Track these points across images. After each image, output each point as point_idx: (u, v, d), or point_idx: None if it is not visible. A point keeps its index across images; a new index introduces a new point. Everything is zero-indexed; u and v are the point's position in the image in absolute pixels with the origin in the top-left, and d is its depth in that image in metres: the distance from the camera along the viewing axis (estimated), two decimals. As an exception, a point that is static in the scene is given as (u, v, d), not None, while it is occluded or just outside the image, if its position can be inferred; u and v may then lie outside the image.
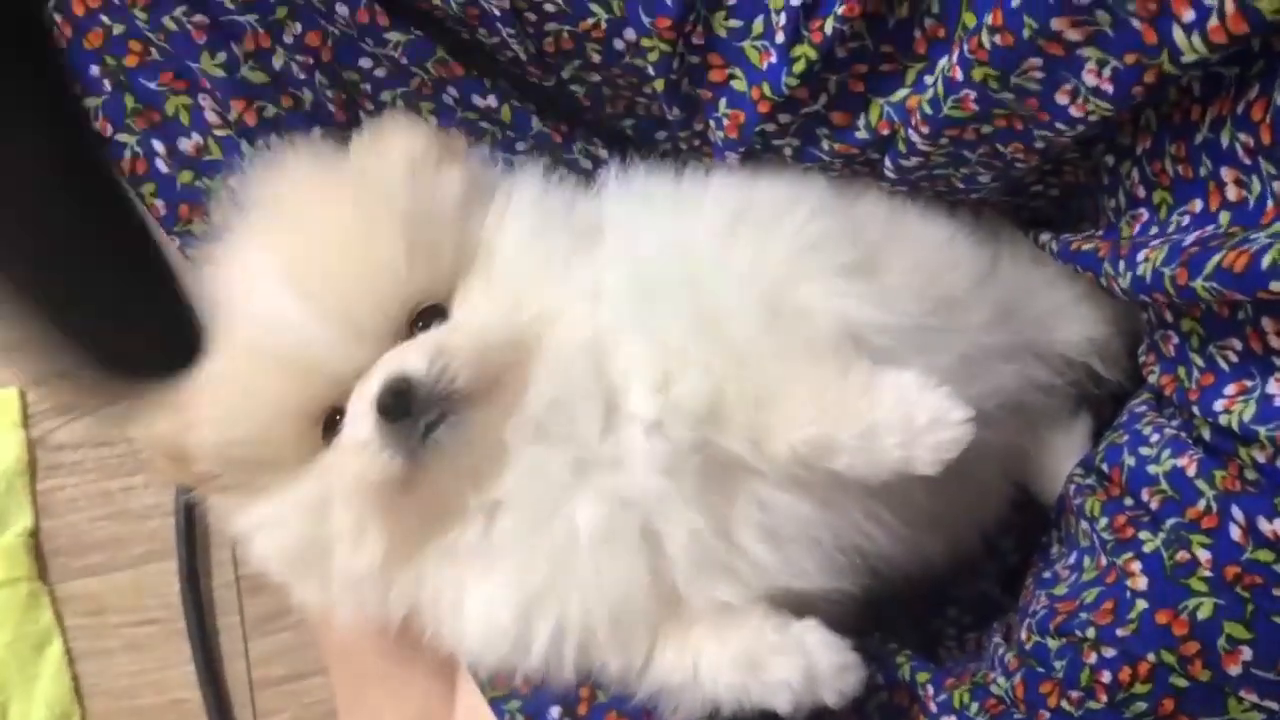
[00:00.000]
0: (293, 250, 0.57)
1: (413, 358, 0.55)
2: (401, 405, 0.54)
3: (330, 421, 0.58)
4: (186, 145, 0.68)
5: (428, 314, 0.58)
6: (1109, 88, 0.53)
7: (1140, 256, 0.57)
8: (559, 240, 0.61)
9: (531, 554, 0.57)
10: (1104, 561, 0.60)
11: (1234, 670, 0.53)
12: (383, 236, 0.56)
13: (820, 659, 0.58)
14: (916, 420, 0.55)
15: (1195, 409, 0.58)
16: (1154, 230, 0.59)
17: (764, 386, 0.57)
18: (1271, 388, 0.54)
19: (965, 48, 0.55)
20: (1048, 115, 0.56)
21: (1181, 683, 0.54)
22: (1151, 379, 0.63)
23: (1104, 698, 0.56)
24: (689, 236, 0.62)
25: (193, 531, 1.09)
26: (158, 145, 0.67)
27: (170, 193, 0.67)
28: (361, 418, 0.55)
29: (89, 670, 1.12)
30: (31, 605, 1.11)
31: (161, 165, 0.67)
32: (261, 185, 0.61)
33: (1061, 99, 0.55)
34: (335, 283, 0.56)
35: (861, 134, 0.65)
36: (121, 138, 0.67)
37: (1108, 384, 0.76)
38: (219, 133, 0.68)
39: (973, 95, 0.57)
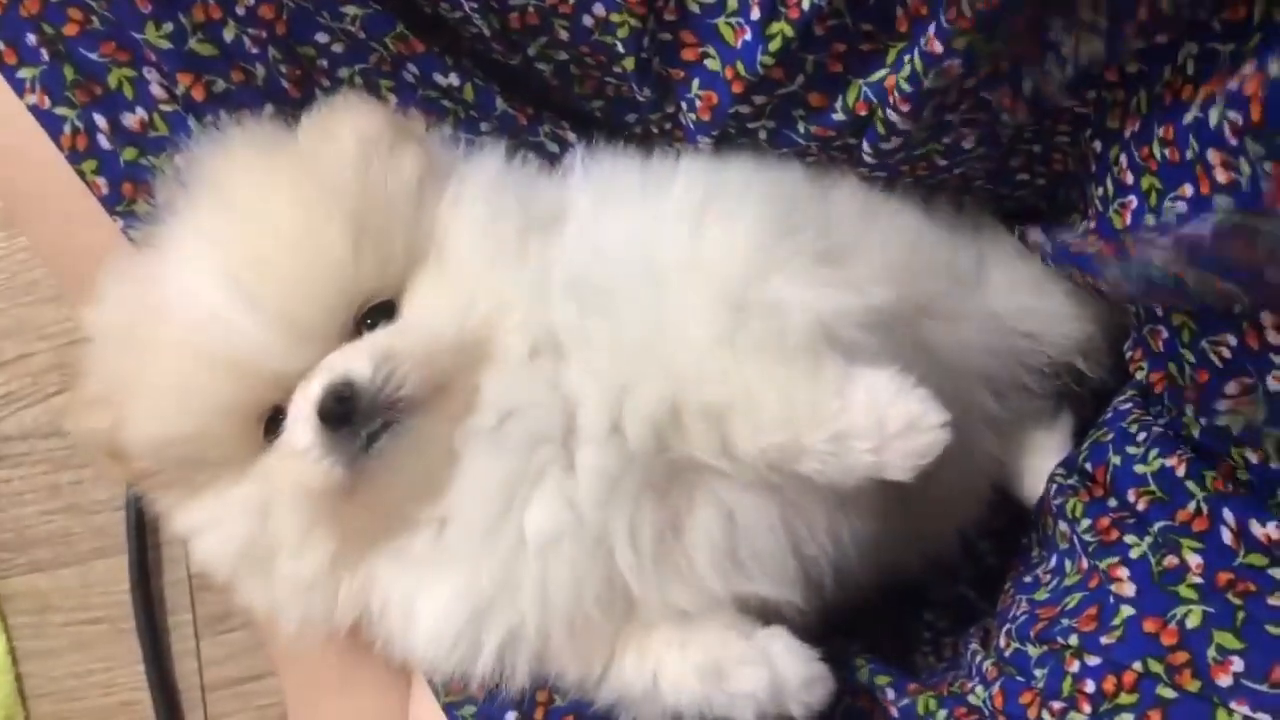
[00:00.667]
0: (233, 243, 0.54)
1: (357, 362, 0.52)
2: (343, 412, 0.51)
3: (273, 420, 0.55)
4: (130, 120, 0.64)
5: (377, 311, 0.55)
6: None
7: (1154, 258, 0.54)
8: (514, 229, 0.57)
9: (481, 561, 0.55)
10: (1085, 565, 0.58)
11: (1224, 681, 0.50)
12: (328, 231, 0.53)
13: (787, 670, 0.56)
14: (890, 425, 0.53)
15: (1190, 408, 0.56)
16: (1151, 220, 0.56)
17: (730, 389, 0.54)
18: (1272, 385, 0.51)
19: (943, 18, 0.53)
20: (1039, 51, 0.55)
21: (1169, 694, 0.51)
22: (1139, 375, 0.61)
23: (1087, 708, 0.53)
24: (653, 227, 0.59)
25: (143, 527, 1.07)
26: (99, 120, 0.64)
27: (113, 170, 0.64)
28: (302, 423, 0.52)
29: (33, 670, 1.10)
30: (-26, 603, 1.09)
31: (104, 141, 0.64)
32: (203, 170, 0.57)
33: (1054, 35, 0.53)
34: (277, 280, 0.53)
35: (838, 115, 0.63)
36: (60, 111, 0.63)
37: (1089, 381, 0.74)
38: (165, 108, 0.64)
39: (957, 62, 0.55)
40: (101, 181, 0.64)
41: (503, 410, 0.54)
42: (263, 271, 0.53)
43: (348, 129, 0.57)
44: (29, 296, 1.11)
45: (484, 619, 0.55)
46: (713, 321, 0.54)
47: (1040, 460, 0.73)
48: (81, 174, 0.64)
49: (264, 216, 0.54)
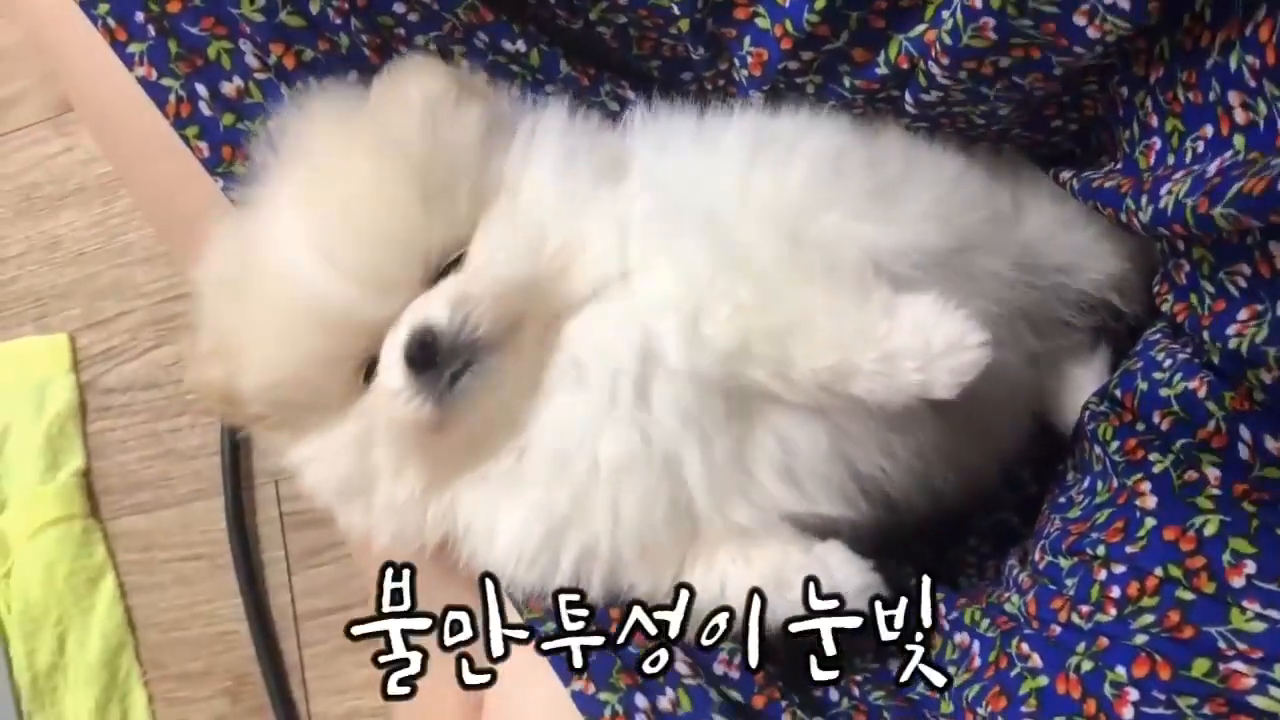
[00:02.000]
0: (314, 204, 0.59)
1: (435, 309, 0.57)
2: (427, 356, 0.56)
3: (370, 366, 0.60)
4: (228, 88, 0.69)
5: (459, 260, 0.60)
6: (1125, 4, 0.54)
7: (1164, 190, 0.58)
8: (584, 172, 0.62)
9: (557, 485, 0.59)
10: (1115, 484, 0.62)
11: (1238, 582, 0.54)
12: (400, 187, 0.58)
13: (841, 579, 0.60)
14: (934, 344, 0.56)
15: (1206, 334, 0.59)
16: (1171, 160, 0.60)
17: (787, 318, 0.58)
18: None
19: None
20: (1066, 40, 0.57)
21: (1187, 595, 0.55)
22: (1165, 307, 0.65)
23: (1112, 611, 0.57)
24: (712, 167, 0.64)
25: (238, 470, 1.13)
26: (200, 89, 0.69)
27: (214, 135, 0.69)
28: (392, 367, 0.58)
29: (141, 603, 1.18)
30: (85, 541, 1.16)
31: (205, 108, 0.69)
32: (289, 133, 0.62)
33: (1079, 20, 0.56)
34: (354, 238, 0.58)
35: (881, 69, 0.66)
36: (166, 82, 0.69)
37: (1126, 317, 0.77)
38: (259, 76, 0.69)
39: (991, 23, 0.58)
40: (203, 145, 0.69)
41: (583, 347, 0.59)
42: (342, 230, 0.57)
43: (414, 88, 0.61)
44: (126, 258, 1.18)
45: (560, 536, 0.60)
46: (771, 252, 0.59)
47: (1078, 391, 0.76)
48: (185, 139, 0.69)
49: (341, 177, 0.59)
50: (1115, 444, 0.63)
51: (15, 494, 1.16)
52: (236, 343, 0.61)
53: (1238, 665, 0.53)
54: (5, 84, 1.25)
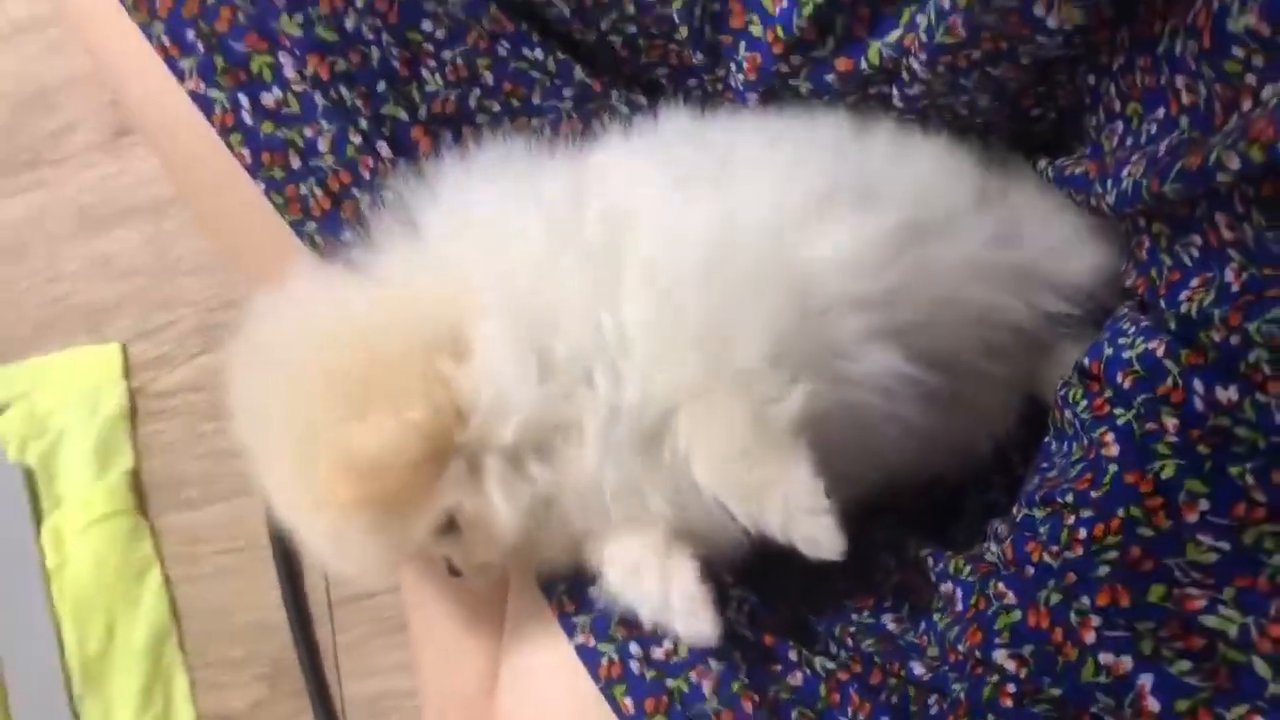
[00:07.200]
0: (309, 514, 0.68)
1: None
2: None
3: None
4: (268, 99, 0.74)
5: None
6: None
7: (1124, 172, 0.63)
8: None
9: None
10: (1086, 441, 0.66)
11: (1192, 518, 0.59)
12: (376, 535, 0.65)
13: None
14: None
15: (1163, 303, 0.64)
16: (1129, 141, 0.65)
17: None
18: (1228, 276, 0.59)
19: None
20: (1029, 29, 0.63)
21: (1147, 533, 0.60)
22: (1128, 283, 0.69)
23: (1080, 550, 0.62)
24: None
25: (278, 467, 1.18)
26: (243, 100, 0.74)
27: (255, 142, 0.75)
28: None
29: (184, 594, 1.24)
30: (133, 537, 1.22)
31: (247, 118, 0.74)
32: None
33: (1039, 10, 0.61)
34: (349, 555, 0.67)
35: (866, 71, 0.72)
36: (212, 94, 0.74)
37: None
38: (296, 87, 0.74)
39: (960, 19, 0.63)
40: (245, 152, 0.75)
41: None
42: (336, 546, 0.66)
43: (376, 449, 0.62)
44: (174, 271, 1.25)
45: None
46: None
47: (1064, 366, 0.78)
48: (229, 145, 0.75)
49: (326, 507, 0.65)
50: (1084, 403, 0.67)
51: (69, 493, 1.23)
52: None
53: (1191, 590, 0.58)
54: (62, 113, 1.33)
